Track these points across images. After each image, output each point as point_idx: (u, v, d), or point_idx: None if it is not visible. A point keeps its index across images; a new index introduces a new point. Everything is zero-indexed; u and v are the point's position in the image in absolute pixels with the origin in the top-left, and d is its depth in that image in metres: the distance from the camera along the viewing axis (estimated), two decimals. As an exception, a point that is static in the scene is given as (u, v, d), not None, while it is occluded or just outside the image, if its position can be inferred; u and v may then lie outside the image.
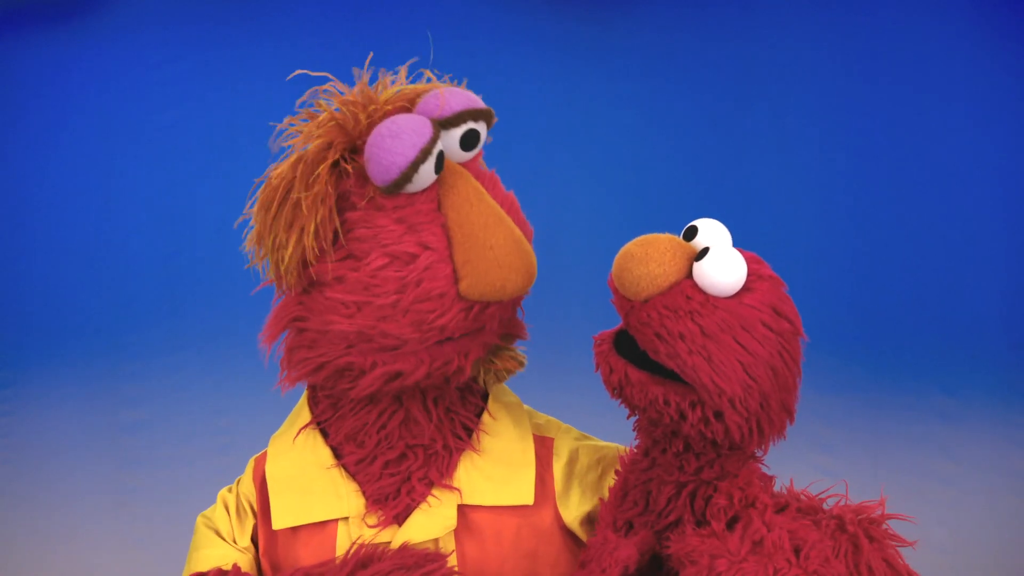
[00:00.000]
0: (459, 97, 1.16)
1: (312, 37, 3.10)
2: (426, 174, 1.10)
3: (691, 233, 1.11)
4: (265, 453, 1.29)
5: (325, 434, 1.24)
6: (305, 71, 1.19)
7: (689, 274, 1.06)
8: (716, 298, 1.05)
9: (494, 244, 1.10)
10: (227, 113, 3.08)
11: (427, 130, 1.10)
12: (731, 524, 1.08)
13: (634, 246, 1.07)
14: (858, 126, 3.04)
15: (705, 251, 1.07)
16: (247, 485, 1.29)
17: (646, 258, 1.05)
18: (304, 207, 1.12)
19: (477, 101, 1.16)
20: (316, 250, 1.12)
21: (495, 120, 1.19)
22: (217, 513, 1.29)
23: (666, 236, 1.08)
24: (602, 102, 3.06)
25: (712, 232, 1.10)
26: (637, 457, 1.17)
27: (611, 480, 1.24)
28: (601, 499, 1.21)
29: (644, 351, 1.07)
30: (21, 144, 3.25)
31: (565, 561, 1.24)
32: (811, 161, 3.05)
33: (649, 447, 1.15)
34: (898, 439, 2.86)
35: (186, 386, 3.05)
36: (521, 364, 1.21)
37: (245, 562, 1.24)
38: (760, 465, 1.14)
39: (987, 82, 3.00)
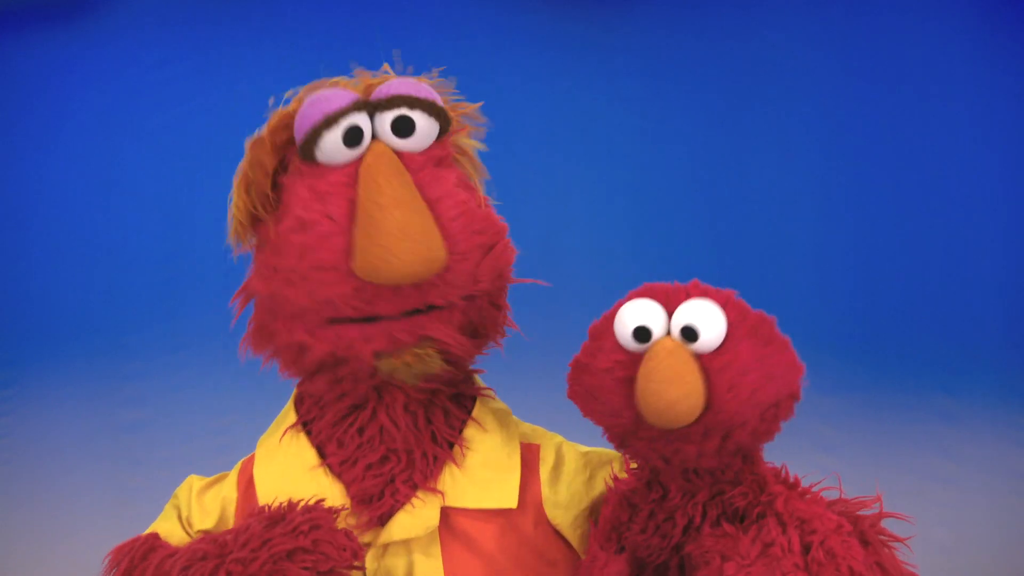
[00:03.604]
0: (401, 84, 1.17)
1: (311, 37, 3.10)
2: (332, 143, 1.12)
3: (646, 334, 1.07)
4: (253, 456, 1.30)
5: (311, 435, 1.25)
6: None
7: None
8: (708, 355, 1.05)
9: (385, 229, 1.07)
10: (227, 113, 3.08)
11: (342, 101, 1.13)
12: (755, 518, 1.08)
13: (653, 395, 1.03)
14: (858, 126, 3.04)
15: (689, 332, 1.05)
16: (229, 487, 1.28)
17: (672, 404, 1.01)
18: (246, 168, 1.20)
19: (418, 89, 1.16)
20: (251, 207, 1.19)
21: (449, 115, 1.18)
22: (181, 493, 1.31)
23: (669, 362, 1.04)
24: (602, 102, 3.06)
25: (677, 321, 1.07)
26: (639, 487, 1.15)
27: (599, 484, 1.25)
28: (592, 522, 1.21)
29: None
30: (21, 143, 3.25)
31: (552, 566, 1.23)
32: (811, 161, 3.05)
33: (651, 478, 1.14)
34: (899, 439, 2.86)
35: (186, 386, 3.05)
36: (426, 363, 1.16)
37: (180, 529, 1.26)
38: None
39: (987, 82, 2.99)
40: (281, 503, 1.16)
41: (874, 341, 2.96)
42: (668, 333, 1.06)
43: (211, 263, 3.06)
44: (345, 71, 1.24)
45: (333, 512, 1.15)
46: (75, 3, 3.25)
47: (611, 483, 1.19)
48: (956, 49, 3.01)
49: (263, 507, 1.17)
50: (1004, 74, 2.99)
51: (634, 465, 1.18)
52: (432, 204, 1.12)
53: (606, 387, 1.07)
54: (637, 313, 1.07)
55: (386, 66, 1.22)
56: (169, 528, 1.27)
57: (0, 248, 3.24)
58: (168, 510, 1.30)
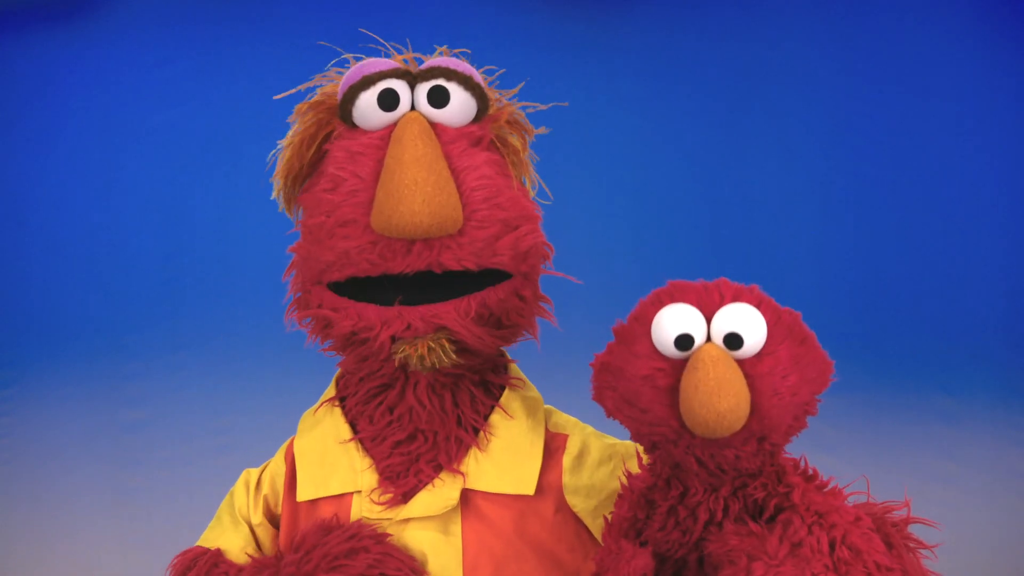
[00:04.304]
0: (442, 59, 1.22)
1: (311, 37, 3.09)
2: (367, 104, 1.17)
3: (687, 342, 1.05)
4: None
5: (346, 410, 1.28)
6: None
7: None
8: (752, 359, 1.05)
9: (400, 182, 1.10)
10: (227, 113, 3.08)
11: (382, 67, 1.19)
12: (774, 514, 1.07)
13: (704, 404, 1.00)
14: (858, 126, 3.04)
15: (733, 339, 1.04)
16: (277, 463, 1.32)
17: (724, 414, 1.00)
18: (295, 138, 1.24)
19: (457, 64, 1.21)
20: (292, 172, 1.24)
21: (487, 94, 1.22)
22: (238, 489, 1.33)
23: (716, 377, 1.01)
24: (602, 102, 3.06)
25: (716, 329, 1.06)
26: (658, 484, 1.15)
27: (622, 476, 1.24)
28: (605, 518, 1.21)
29: None
30: (21, 144, 3.25)
31: (571, 551, 1.24)
32: (811, 161, 3.05)
33: (671, 476, 1.14)
34: (898, 439, 2.86)
35: (186, 386, 3.05)
36: (445, 355, 1.18)
37: (240, 544, 1.28)
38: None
39: (987, 82, 2.99)
40: (336, 516, 1.21)
41: (874, 341, 2.96)
42: (709, 338, 1.05)
43: (211, 263, 3.08)
44: (343, 69, 1.26)
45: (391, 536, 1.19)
46: (75, 3, 3.24)
47: (624, 480, 1.18)
48: (956, 49, 3.01)
49: (318, 519, 1.21)
50: (1004, 74, 2.99)
51: (647, 460, 1.17)
52: (456, 173, 1.15)
53: (646, 396, 1.05)
54: (677, 320, 1.05)
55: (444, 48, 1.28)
56: (229, 540, 1.29)
57: (0, 248, 3.24)
58: (223, 516, 1.33)
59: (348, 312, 1.17)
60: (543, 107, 1.31)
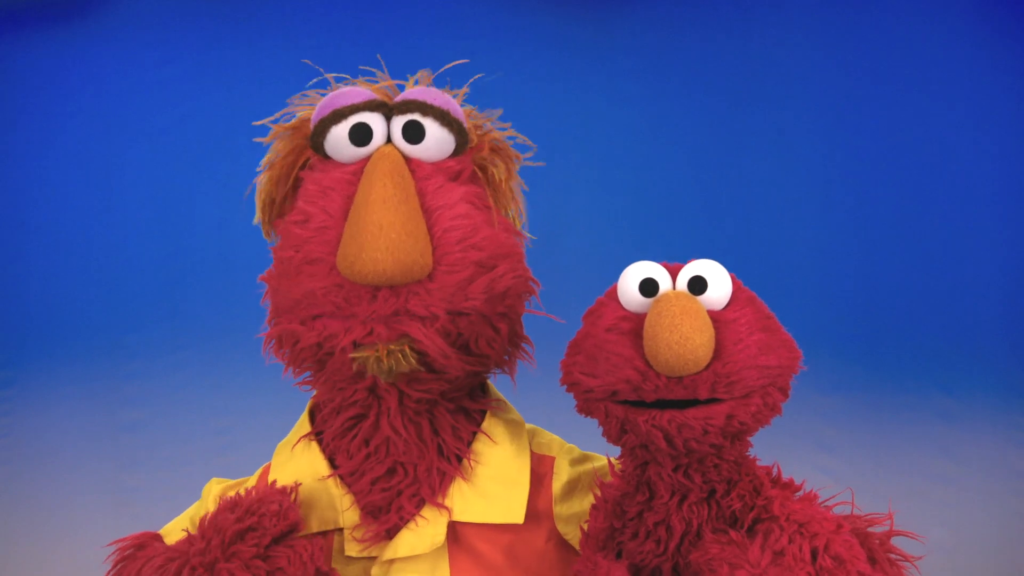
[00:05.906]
0: (419, 91, 1.16)
1: (312, 37, 3.10)
2: (338, 138, 1.12)
3: (651, 287, 1.07)
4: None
5: (323, 444, 1.22)
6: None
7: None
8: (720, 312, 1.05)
9: (365, 226, 1.05)
10: (226, 113, 3.08)
11: (355, 99, 1.13)
12: (751, 527, 1.07)
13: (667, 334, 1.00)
14: (858, 126, 3.04)
15: (697, 283, 1.06)
16: None
17: (683, 339, 1.00)
18: (279, 152, 1.20)
19: (434, 97, 1.15)
20: (271, 202, 1.20)
21: (465, 129, 1.16)
22: (209, 496, 1.29)
23: (679, 311, 1.02)
24: (602, 102, 3.06)
25: (683, 276, 1.08)
26: (629, 491, 1.14)
27: (595, 487, 1.22)
28: (582, 528, 1.18)
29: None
30: (21, 144, 3.26)
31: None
32: (811, 161, 3.05)
33: (640, 481, 1.13)
34: (898, 439, 2.86)
35: (186, 386, 3.05)
36: (405, 359, 1.12)
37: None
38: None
39: (987, 82, 2.99)
40: (248, 490, 1.15)
41: (874, 341, 2.96)
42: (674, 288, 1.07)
43: (211, 263, 3.08)
44: (344, 71, 1.24)
45: (283, 491, 1.13)
46: (75, 3, 3.24)
47: (598, 492, 1.17)
48: (956, 49, 3.01)
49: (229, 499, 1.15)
50: (1004, 74, 2.99)
51: (619, 467, 1.16)
52: (429, 212, 1.10)
53: (611, 341, 1.05)
54: (642, 269, 1.07)
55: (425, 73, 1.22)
56: (174, 526, 1.26)
57: (0, 248, 3.24)
58: (190, 510, 1.30)
59: (313, 325, 1.12)
60: (532, 145, 1.27)
